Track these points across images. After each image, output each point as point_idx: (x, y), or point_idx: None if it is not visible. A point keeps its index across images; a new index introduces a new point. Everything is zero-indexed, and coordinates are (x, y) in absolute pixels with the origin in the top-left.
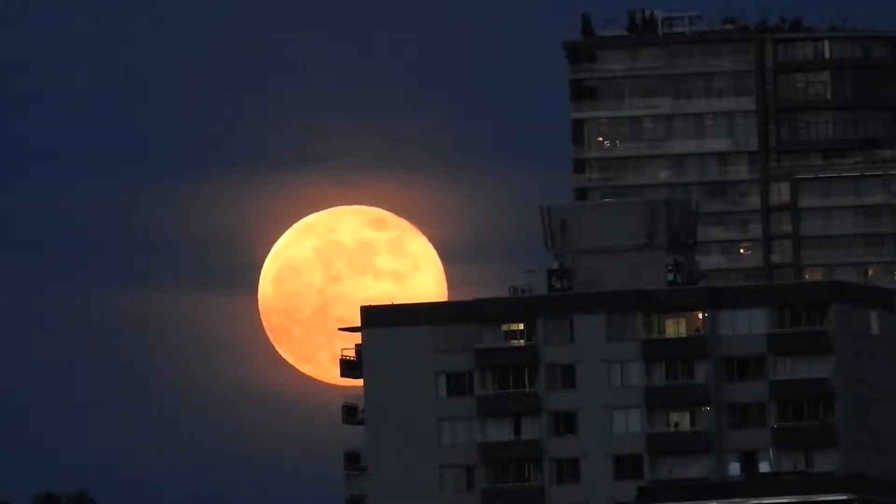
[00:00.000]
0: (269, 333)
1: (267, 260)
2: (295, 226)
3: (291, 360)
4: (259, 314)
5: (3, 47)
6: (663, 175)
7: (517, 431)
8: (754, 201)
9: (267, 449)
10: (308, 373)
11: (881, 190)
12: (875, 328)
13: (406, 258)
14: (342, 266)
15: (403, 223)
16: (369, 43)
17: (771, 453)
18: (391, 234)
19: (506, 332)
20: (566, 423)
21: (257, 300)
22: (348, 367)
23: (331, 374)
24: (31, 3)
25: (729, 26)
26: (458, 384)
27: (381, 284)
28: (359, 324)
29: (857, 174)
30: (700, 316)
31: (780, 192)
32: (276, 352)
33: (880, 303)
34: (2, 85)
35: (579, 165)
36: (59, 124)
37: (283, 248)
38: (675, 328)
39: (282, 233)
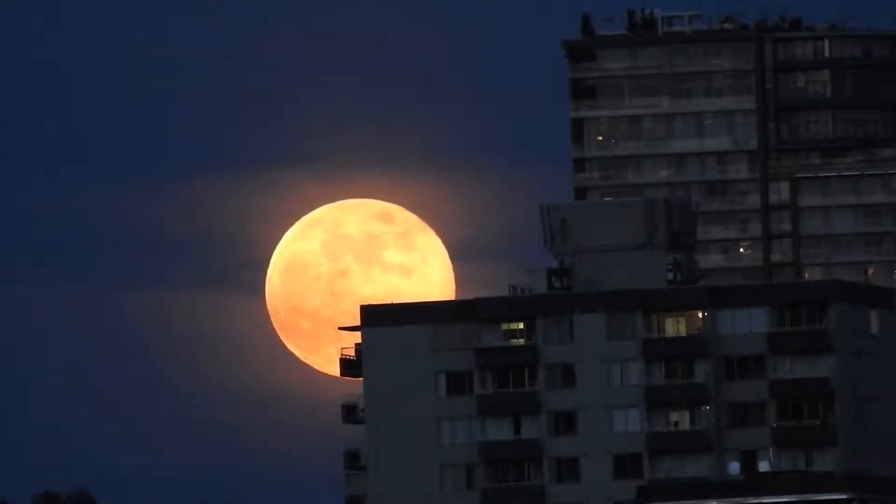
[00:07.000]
0: (276, 327)
1: (274, 254)
2: (302, 219)
3: (299, 354)
4: (262, 311)
5: (3, 48)
6: (663, 174)
7: (517, 431)
8: (754, 200)
9: (267, 448)
10: (317, 366)
11: (881, 189)
12: (875, 328)
13: (414, 252)
14: (349, 259)
15: (411, 217)
16: (369, 42)
17: (771, 453)
18: (398, 227)
19: (506, 331)
20: (566, 422)
21: (260, 297)
22: (348, 366)
23: (337, 368)
24: (33, 6)
25: (728, 25)
26: (457, 383)
27: (388, 278)
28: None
29: (857, 173)
30: (700, 315)
31: (780, 192)
32: (278, 351)
33: (880, 302)
34: (2, 86)
35: (579, 164)
36: (60, 124)
37: (290, 241)
38: (674, 327)
39: (283, 231)
